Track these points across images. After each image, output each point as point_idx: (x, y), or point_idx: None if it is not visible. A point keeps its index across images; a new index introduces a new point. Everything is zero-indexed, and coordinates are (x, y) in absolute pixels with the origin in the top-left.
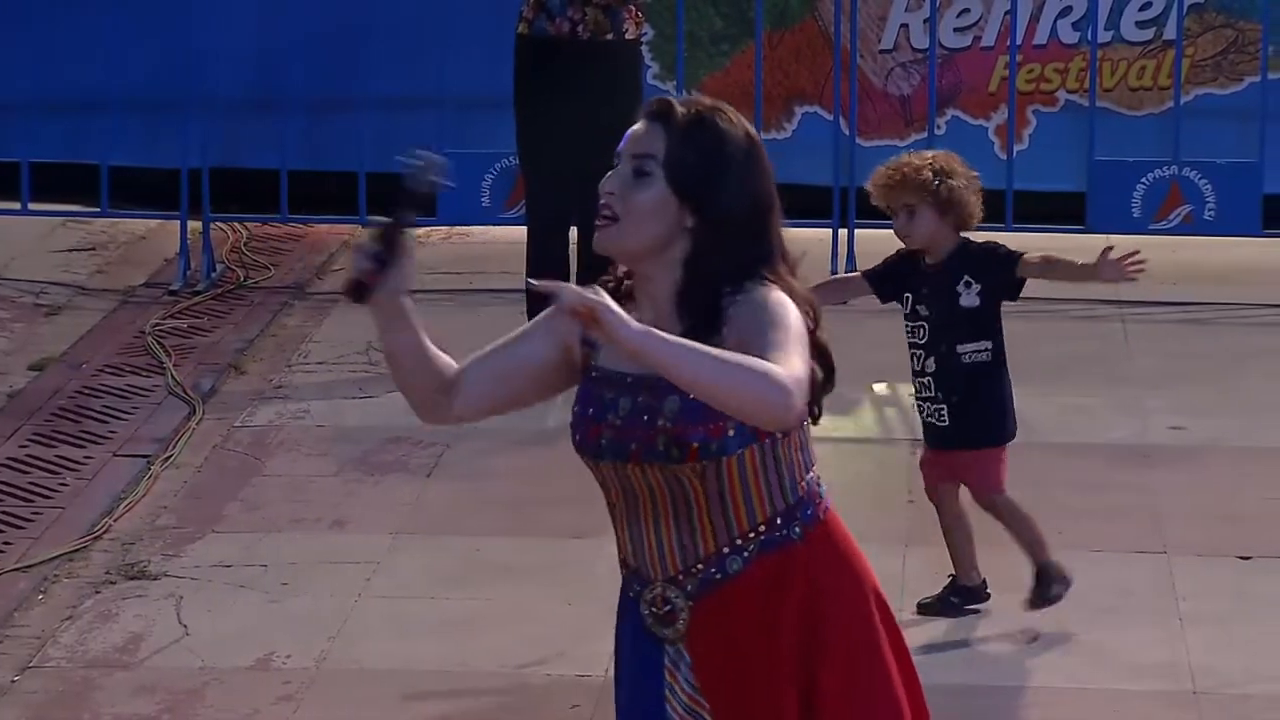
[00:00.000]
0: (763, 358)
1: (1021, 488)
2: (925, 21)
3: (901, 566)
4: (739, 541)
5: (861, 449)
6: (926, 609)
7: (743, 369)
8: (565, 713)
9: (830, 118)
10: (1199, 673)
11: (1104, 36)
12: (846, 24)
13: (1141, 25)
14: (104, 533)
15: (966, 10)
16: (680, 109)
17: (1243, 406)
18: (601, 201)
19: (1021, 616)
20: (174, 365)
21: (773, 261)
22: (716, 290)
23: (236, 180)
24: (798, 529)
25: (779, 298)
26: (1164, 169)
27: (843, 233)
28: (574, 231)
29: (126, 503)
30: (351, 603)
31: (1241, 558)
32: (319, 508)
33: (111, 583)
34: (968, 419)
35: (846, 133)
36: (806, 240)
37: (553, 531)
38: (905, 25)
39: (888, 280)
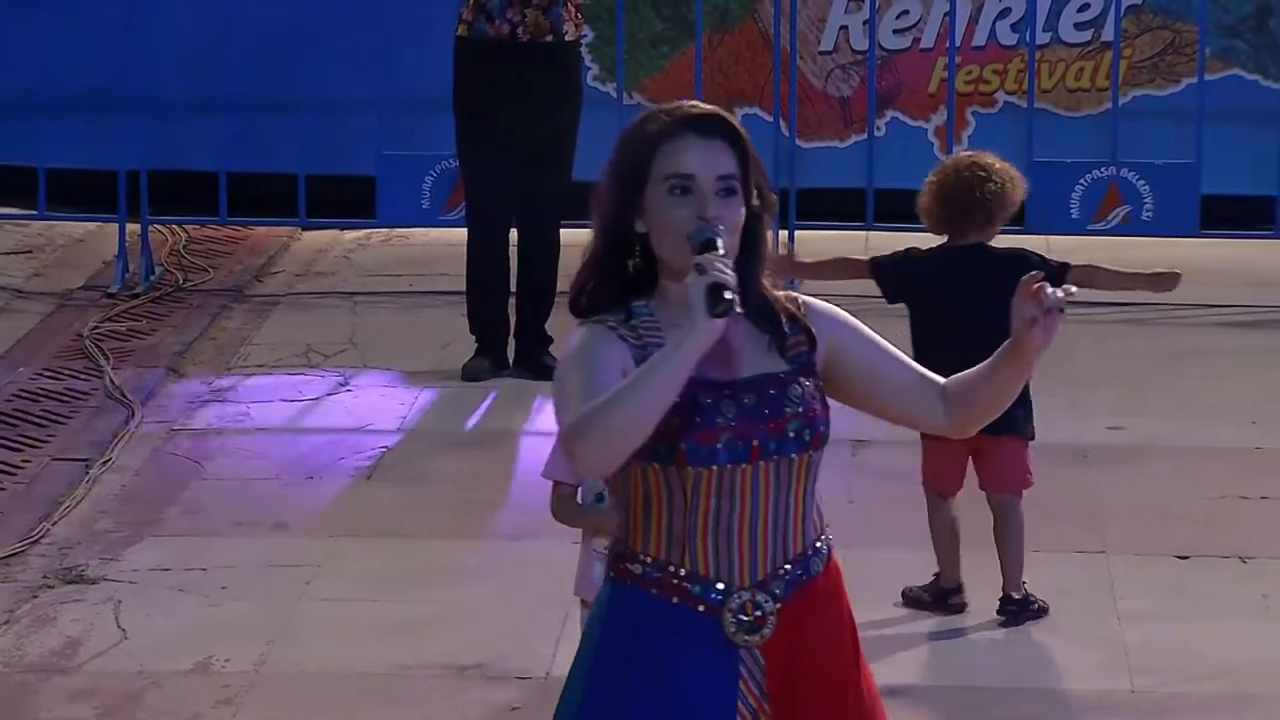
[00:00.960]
0: (918, 372)
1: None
2: (865, 23)
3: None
4: (818, 543)
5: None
6: (912, 602)
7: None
8: (505, 714)
9: (770, 119)
10: (1137, 672)
11: (1042, 38)
12: (786, 26)
13: (1079, 27)
14: (42, 537)
15: (906, 12)
16: (734, 124)
17: (1181, 407)
18: (707, 236)
19: (957, 617)
20: (112, 368)
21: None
22: (763, 284)
23: (175, 182)
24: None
25: (833, 309)
26: (1102, 170)
27: (783, 234)
28: (514, 233)
29: (65, 507)
30: (291, 605)
31: (1179, 557)
32: (258, 510)
33: (49, 587)
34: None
35: (787, 134)
36: None
37: (492, 533)
38: (845, 27)
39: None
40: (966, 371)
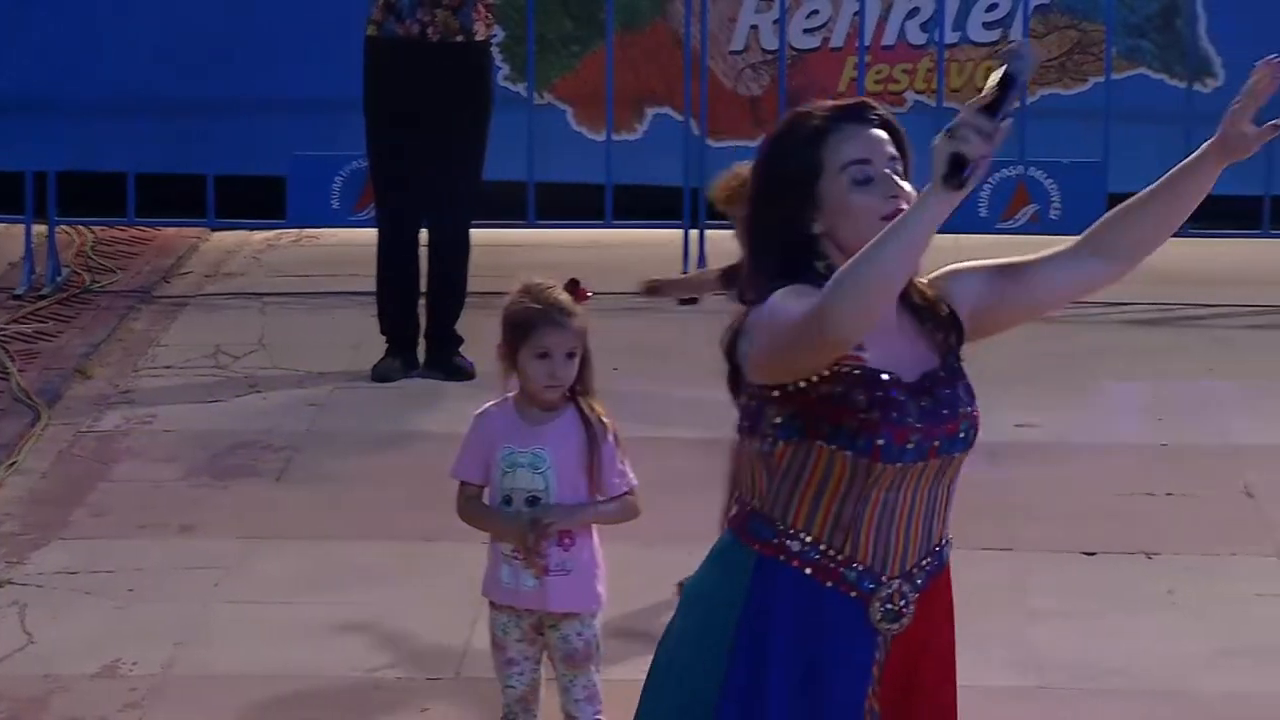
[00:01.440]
0: (1036, 261)
1: None
2: (774, 23)
3: None
4: (949, 534)
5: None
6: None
7: None
8: (416, 716)
9: (680, 119)
10: (1046, 667)
11: (951, 37)
12: (696, 25)
13: (988, 26)
14: None
15: (815, 12)
16: (889, 117)
17: (1088, 404)
18: (896, 209)
19: None
20: (19, 370)
21: None
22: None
23: (82, 183)
24: None
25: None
26: (1010, 169)
27: (694, 233)
28: (424, 233)
29: None
30: (200, 608)
31: (1087, 553)
32: (166, 513)
33: None
34: None
35: (697, 133)
36: (657, 241)
37: (403, 534)
38: (755, 27)
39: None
40: (1111, 213)
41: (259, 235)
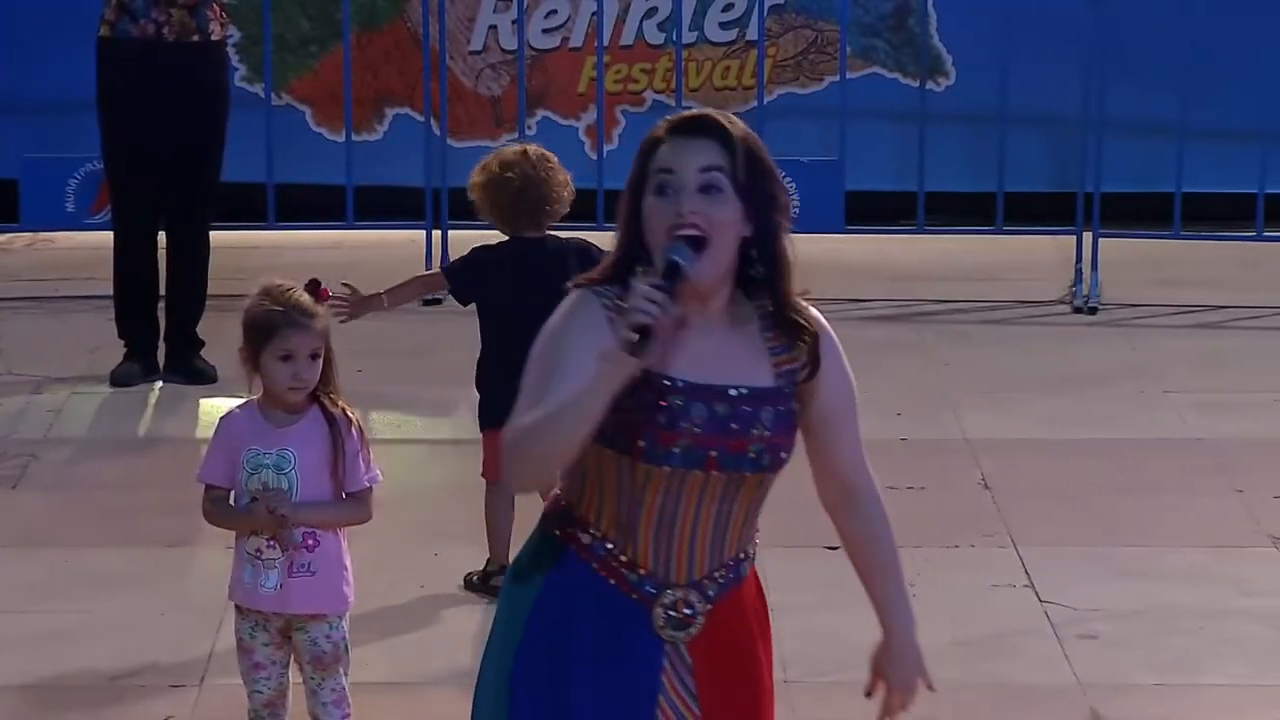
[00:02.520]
0: (859, 465)
1: None
2: (513, 23)
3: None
4: (749, 548)
5: (448, 449)
6: (473, 588)
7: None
8: None
9: (421, 119)
10: (791, 662)
11: (689, 37)
12: (435, 25)
13: (725, 26)
14: None
15: (554, 11)
16: (725, 124)
17: None
18: (689, 224)
19: None
20: None
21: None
22: (784, 300)
23: None
24: None
25: (836, 341)
26: None
27: (436, 234)
28: (162, 235)
29: None
30: None
31: (829, 548)
32: None
33: None
34: None
35: (438, 133)
36: (400, 242)
37: (145, 540)
38: (494, 26)
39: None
40: (868, 535)
41: None
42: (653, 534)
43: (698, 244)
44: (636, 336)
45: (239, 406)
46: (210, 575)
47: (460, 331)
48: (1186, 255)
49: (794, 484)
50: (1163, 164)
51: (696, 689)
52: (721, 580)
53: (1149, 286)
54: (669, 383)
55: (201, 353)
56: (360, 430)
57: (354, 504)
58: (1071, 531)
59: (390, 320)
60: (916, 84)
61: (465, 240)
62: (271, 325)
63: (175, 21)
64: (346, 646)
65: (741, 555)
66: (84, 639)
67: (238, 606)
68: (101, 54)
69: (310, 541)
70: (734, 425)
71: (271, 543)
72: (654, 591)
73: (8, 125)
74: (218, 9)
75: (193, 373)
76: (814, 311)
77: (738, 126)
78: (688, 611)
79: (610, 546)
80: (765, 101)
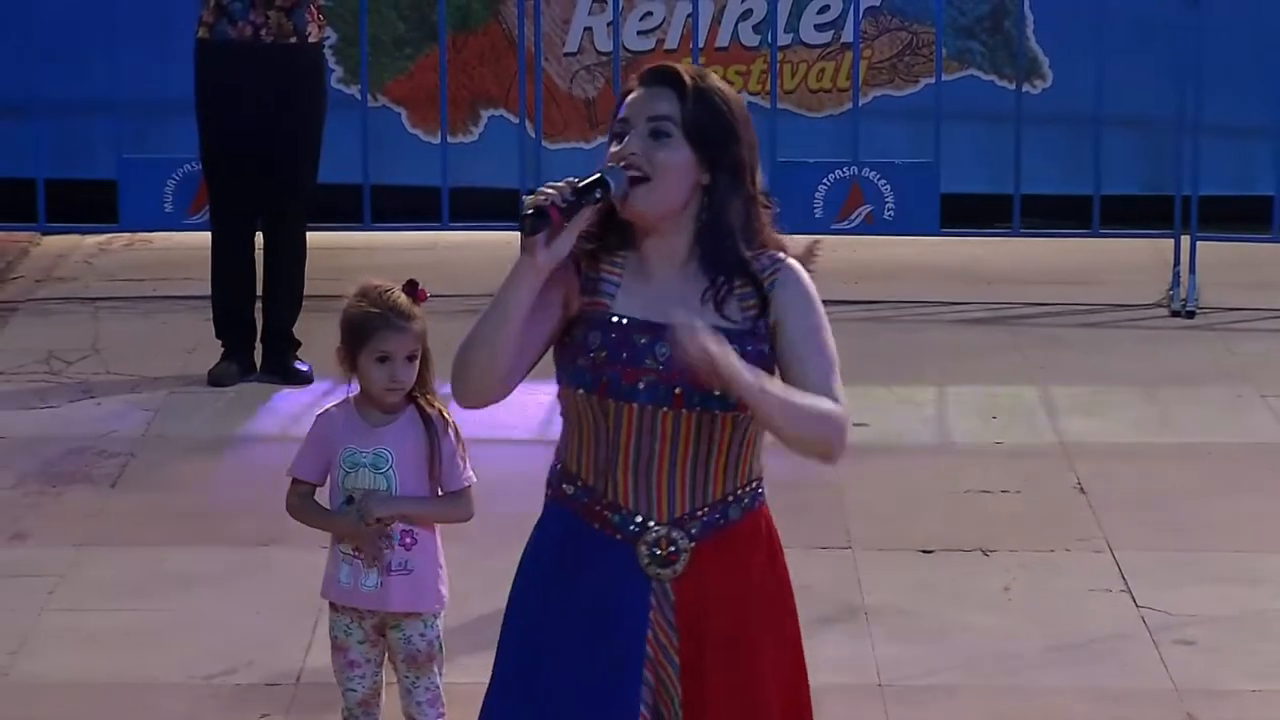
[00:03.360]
0: (825, 389)
1: None
2: (609, 25)
3: None
4: (740, 491)
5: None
6: None
7: (822, 419)
8: None
9: (516, 121)
10: (883, 665)
11: (784, 39)
12: (530, 27)
13: (820, 28)
14: None
15: (649, 13)
16: (685, 74)
17: (922, 403)
18: (624, 163)
19: None
20: None
21: (760, 209)
22: (734, 244)
23: None
24: (764, 493)
25: (812, 288)
26: (844, 169)
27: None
28: (259, 236)
29: None
30: (34, 616)
31: (923, 551)
32: None
33: None
34: None
35: (532, 135)
36: (494, 243)
37: (238, 540)
38: (589, 28)
39: None
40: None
41: (91, 239)
42: (631, 475)
43: (634, 180)
44: (530, 213)
45: (335, 405)
46: (305, 574)
47: None
48: None
49: (886, 489)
50: (1260, 166)
51: (678, 624)
52: (705, 519)
53: (1247, 290)
54: (626, 320)
55: (298, 353)
56: (456, 431)
57: (454, 500)
58: (1167, 536)
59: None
60: (1012, 86)
61: None
62: (369, 326)
63: (273, 23)
64: (441, 645)
65: (730, 498)
66: (178, 638)
67: (332, 605)
68: (200, 56)
69: (408, 540)
70: None
71: (358, 553)
72: (637, 530)
73: (106, 126)
74: (315, 11)
75: (289, 373)
76: (783, 256)
77: (703, 80)
78: (671, 549)
79: (592, 492)
80: (860, 104)
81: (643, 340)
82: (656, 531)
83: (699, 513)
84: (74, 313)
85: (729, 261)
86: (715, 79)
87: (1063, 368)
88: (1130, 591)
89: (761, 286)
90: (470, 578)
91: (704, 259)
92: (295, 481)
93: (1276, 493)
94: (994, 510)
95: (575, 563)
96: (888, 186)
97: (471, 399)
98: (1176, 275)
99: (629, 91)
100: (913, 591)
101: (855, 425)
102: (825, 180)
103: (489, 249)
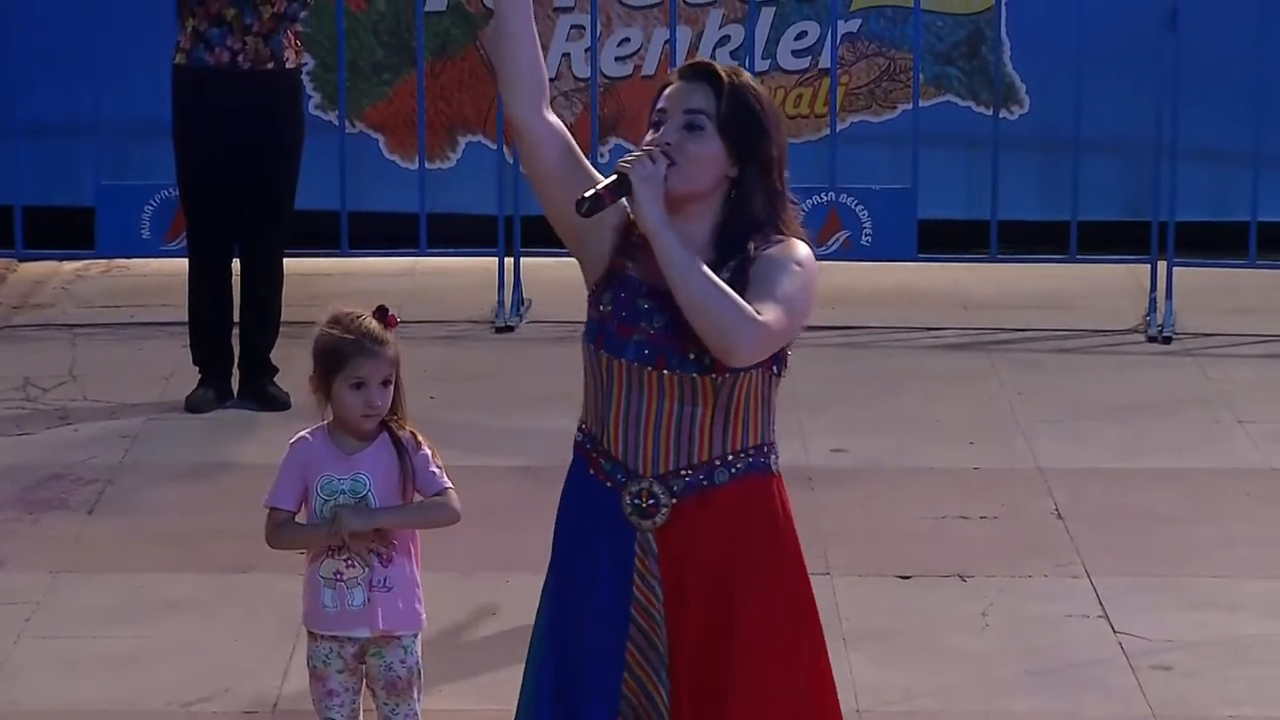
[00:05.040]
0: (754, 302)
1: None
2: (586, 51)
3: None
4: (730, 457)
5: (520, 474)
6: None
7: (726, 299)
8: None
9: (494, 147)
10: (861, 691)
11: (761, 65)
12: None
13: (797, 54)
14: None
15: (627, 39)
16: (722, 72)
17: (901, 428)
18: (661, 149)
19: None
20: None
21: (786, 204)
22: (747, 233)
23: None
24: (775, 461)
25: (804, 256)
26: (822, 195)
27: (508, 261)
28: (236, 262)
29: None
30: (11, 643)
31: (901, 577)
32: None
33: None
34: None
35: (511, 161)
36: (472, 269)
37: (217, 566)
38: (567, 54)
39: None
40: None
41: (69, 265)
42: (622, 427)
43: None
44: (589, 195)
45: (310, 432)
46: (283, 600)
47: (532, 357)
48: (1262, 284)
49: (864, 514)
50: (1237, 192)
51: (661, 575)
52: (688, 478)
53: (1224, 316)
54: (636, 279)
55: (275, 379)
56: (431, 447)
57: (435, 504)
58: (1145, 562)
59: (460, 347)
60: (990, 112)
61: (537, 267)
62: (343, 353)
63: (250, 49)
64: (420, 671)
65: (717, 461)
66: (157, 664)
67: (311, 633)
68: (177, 82)
69: (385, 556)
70: (678, 330)
71: (350, 561)
72: (623, 479)
73: (84, 152)
74: (292, 37)
75: (266, 399)
76: (791, 239)
77: (738, 77)
78: (651, 502)
79: (594, 440)
80: (838, 129)
81: (645, 305)
82: (640, 484)
83: (683, 472)
84: (51, 339)
85: (738, 243)
86: (749, 77)
87: (1040, 393)
88: (1108, 617)
89: (747, 262)
90: (451, 603)
91: (719, 246)
92: (273, 511)
93: (1253, 518)
94: (972, 535)
95: (578, 505)
96: (865, 212)
97: (520, 108)
98: (1153, 301)
99: (668, 84)
100: (891, 617)
101: (834, 451)
102: (803, 205)
103: (467, 275)
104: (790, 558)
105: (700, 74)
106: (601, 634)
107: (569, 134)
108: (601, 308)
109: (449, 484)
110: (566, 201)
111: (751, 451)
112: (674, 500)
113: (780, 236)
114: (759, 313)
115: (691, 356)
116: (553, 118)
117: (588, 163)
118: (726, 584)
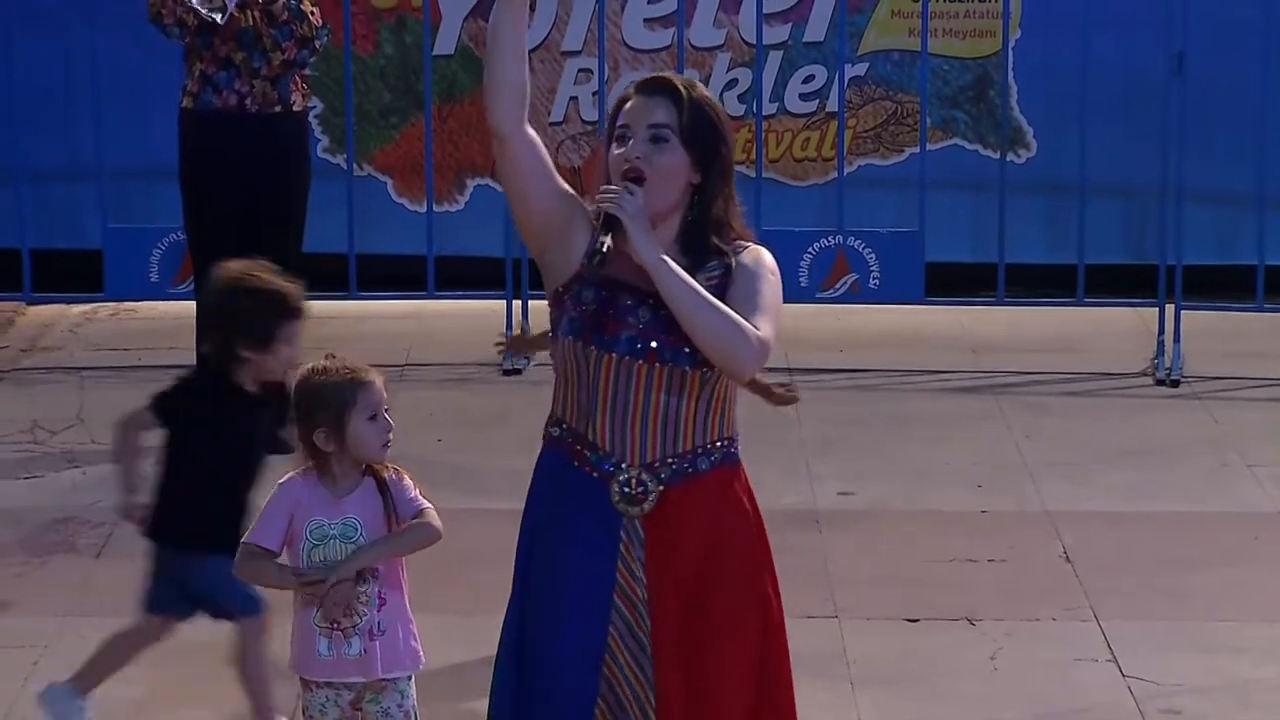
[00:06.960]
0: (748, 318)
1: None
2: (594, 94)
3: None
4: (709, 445)
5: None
6: None
7: (728, 319)
8: None
9: (502, 190)
10: None
11: (769, 108)
12: None
13: (805, 98)
14: None
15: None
16: (680, 85)
17: (908, 471)
18: (628, 166)
19: None
20: None
21: (735, 205)
22: (709, 233)
23: None
24: (738, 452)
25: (770, 262)
26: (830, 238)
27: (516, 304)
28: None
29: None
30: (17, 687)
31: (909, 620)
32: None
33: None
34: None
35: None
36: (480, 312)
37: None
38: (574, 98)
39: None
40: None
41: (77, 309)
42: (608, 418)
43: (638, 180)
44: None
45: (298, 474)
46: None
47: (539, 400)
48: (1269, 327)
49: (871, 557)
50: (1244, 235)
51: (646, 560)
52: (674, 467)
53: (1231, 359)
54: (618, 279)
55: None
56: (411, 476)
57: (416, 526)
58: (1153, 605)
59: (467, 390)
60: (997, 155)
61: (545, 310)
62: (349, 391)
63: (258, 92)
64: (416, 714)
65: (699, 449)
66: (167, 709)
67: (305, 681)
68: (184, 125)
69: (379, 600)
70: (669, 324)
71: (336, 623)
72: (610, 469)
73: (92, 195)
74: (300, 80)
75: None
76: (755, 246)
77: (694, 90)
78: (640, 489)
79: (575, 434)
80: (845, 173)
81: (627, 301)
82: (628, 472)
83: (669, 460)
84: (59, 382)
85: (706, 248)
86: (703, 89)
87: (1048, 436)
88: (1116, 661)
89: (726, 256)
90: (449, 645)
91: (685, 245)
92: (246, 544)
93: (1262, 561)
94: (980, 579)
95: (558, 496)
96: (873, 255)
97: (505, 111)
98: (1161, 344)
99: (625, 100)
100: (898, 660)
101: (842, 494)
102: (810, 249)
103: (475, 318)
104: (764, 546)
105: (660, 89)
106: (582, 616)
107: (543, 145)
108: (584, 305)
109: (426, 504)
110: (538, 208)
111: (726, 441)
112: (661, 487)
113: (744, 243)
114: (756, 328)
115: (686, 350)
116: (530, 130)
117: (556, 174)
118: (709, 569)
